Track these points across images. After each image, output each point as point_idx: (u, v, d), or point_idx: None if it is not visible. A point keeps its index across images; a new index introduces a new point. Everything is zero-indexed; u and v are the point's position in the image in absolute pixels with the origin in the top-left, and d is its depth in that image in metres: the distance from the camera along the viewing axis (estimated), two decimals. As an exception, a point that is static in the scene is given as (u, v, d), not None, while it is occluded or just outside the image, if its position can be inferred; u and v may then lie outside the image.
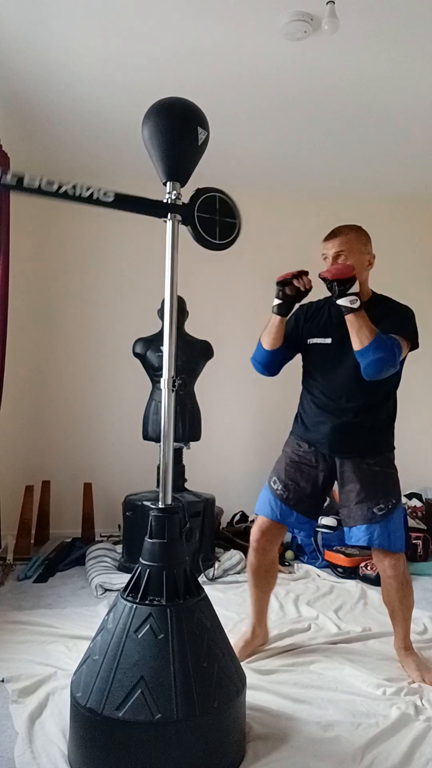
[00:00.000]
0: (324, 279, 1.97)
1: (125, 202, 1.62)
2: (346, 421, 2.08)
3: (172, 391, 1.66)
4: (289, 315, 2.13)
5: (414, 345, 2.04)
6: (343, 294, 1.93)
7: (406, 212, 4.58)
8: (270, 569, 2.22)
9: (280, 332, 2.12)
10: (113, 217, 4.19)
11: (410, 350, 2.06)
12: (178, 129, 1.67)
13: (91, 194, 1.55)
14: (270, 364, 2.19)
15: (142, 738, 1.36)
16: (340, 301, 1.93)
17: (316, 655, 2.19)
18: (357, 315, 1.92)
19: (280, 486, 2.16)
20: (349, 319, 1.94)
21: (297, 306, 2.14)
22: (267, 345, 2.15)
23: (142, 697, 1.37)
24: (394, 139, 3.59)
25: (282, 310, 2.09)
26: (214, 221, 1.70)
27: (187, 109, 1.70)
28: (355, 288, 1.93)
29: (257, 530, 2.17)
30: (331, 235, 2.10)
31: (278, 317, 2.10)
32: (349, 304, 1.92)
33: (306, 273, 2.07)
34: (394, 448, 2.16)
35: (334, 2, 2.36)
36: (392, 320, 2.01)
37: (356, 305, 1.91)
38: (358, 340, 1.92)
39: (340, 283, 1.93)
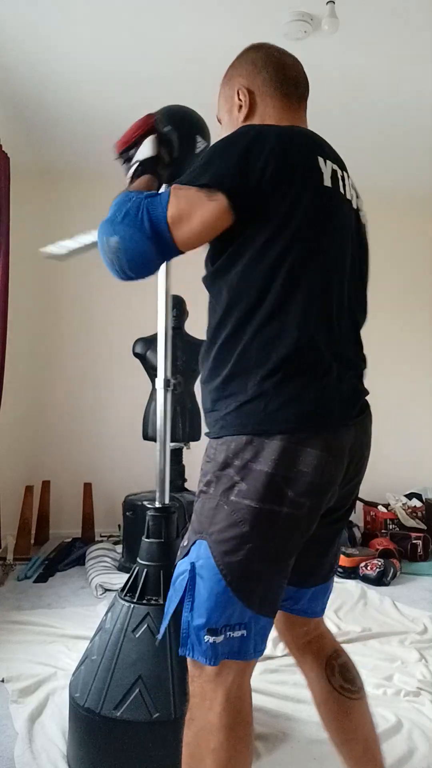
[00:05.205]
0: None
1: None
2: None
3: (168, 391, 1.67)
4: None
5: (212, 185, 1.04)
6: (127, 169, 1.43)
7: (407, 211, 4.58)
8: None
9: None
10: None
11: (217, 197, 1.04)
12: (177, 138, 1.67)
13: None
14: None
15: (140, 737, 1.36)
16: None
17: (315, 655, 2.18)
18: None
19: None
20: None
21: None
22: None
23: (140, 697, 1.37)
24: (394, 138, 3.59)
25: None
26: None
27: (187, 117, 1.70)
28: (140, 154, 1.43)
29: None
30: None
31: None
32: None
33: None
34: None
35: (334, 2, 2.37)
36: None
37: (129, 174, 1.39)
38: None
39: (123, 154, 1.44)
